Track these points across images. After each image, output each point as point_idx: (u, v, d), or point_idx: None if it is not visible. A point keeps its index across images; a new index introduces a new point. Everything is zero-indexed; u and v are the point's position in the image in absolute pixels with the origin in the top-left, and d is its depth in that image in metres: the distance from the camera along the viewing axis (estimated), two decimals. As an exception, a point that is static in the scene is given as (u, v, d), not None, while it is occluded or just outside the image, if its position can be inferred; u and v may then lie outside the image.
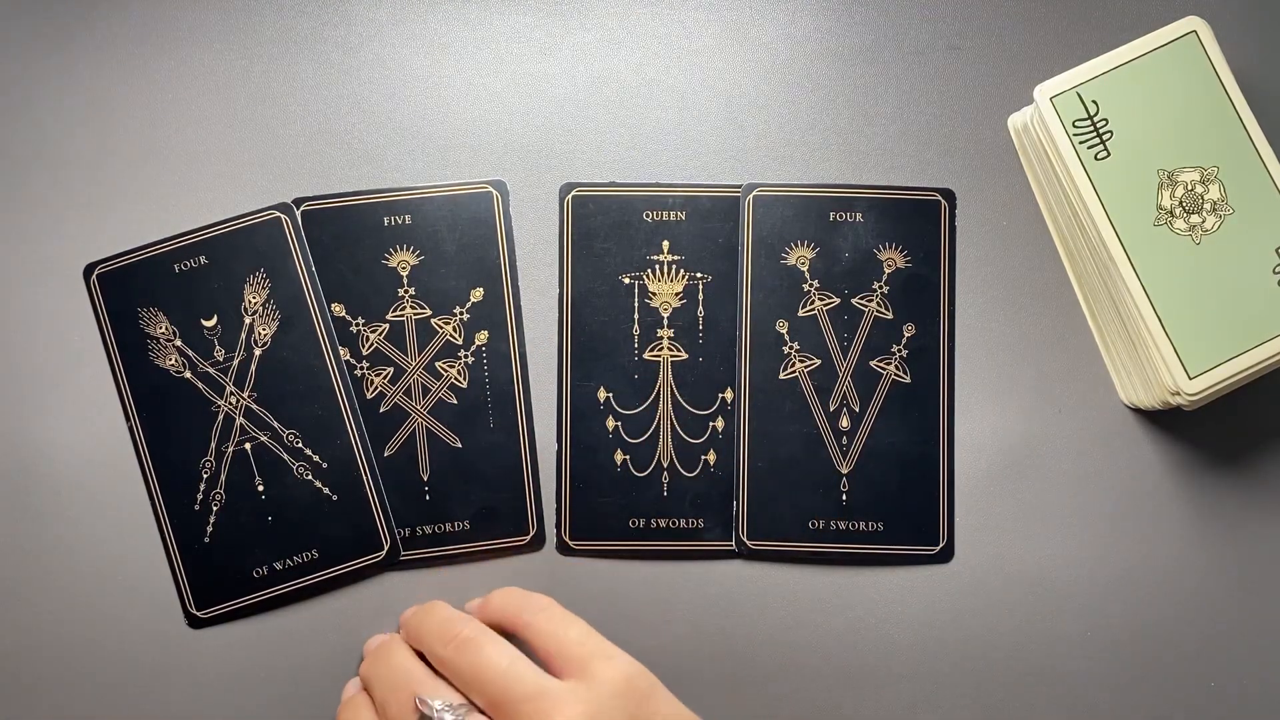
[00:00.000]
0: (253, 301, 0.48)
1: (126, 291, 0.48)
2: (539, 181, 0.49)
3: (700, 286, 0.49)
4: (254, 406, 0.48)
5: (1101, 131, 0.45)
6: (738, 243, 0.49)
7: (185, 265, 0.48)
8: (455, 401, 0.48)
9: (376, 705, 0.42)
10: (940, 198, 0.49)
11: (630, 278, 0.49)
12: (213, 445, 0.48)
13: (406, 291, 0.49)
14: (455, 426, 0.48)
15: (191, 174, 0.49)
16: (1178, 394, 0.44)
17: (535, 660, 0.41)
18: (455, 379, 0.49)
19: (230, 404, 0.48)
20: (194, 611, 0.48)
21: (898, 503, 0.48)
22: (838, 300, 0.49)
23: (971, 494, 0.48)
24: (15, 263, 0.49)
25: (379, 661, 0.43)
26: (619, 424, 0.48)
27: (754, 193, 0.49)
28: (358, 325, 0.49)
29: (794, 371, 0.48)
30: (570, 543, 0.48)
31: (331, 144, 0.49)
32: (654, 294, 0.49)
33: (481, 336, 0.49)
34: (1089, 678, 0.47)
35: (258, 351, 0.48)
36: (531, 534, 0.48)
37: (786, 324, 0.49)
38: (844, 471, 0.48)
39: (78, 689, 0.47)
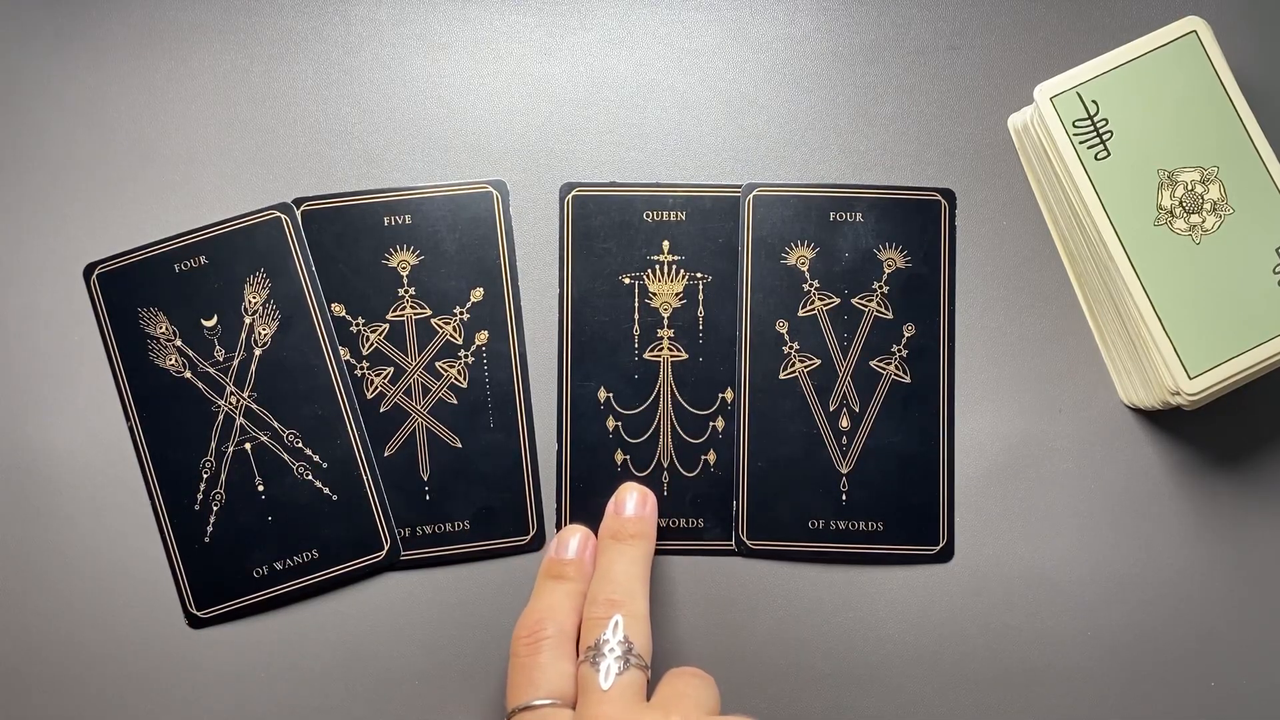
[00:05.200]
0: (253, 301, 0.48)
1: (126, 291, 0.48)
2: (539, 181, 0.49)
3: (700, 286, 0.49)
4: (254, 406, 0.48)
5: (1101, 131, 0.45)
6: (738, 243, 0.49)
7: (185, 265, 0.49)
8: (455, 401, 0.48)
9: (586, 599, 0.44)
10: (940, 198, 0.49)
11: (630, 278, 0.49)
12: (213, 445, 0.48)
13: (406, 291, 0.49)
14: (455, 426, 0.48)
15: (191, 174, 0.49)
16: (1178, 394, 0.44)
17: None
18: (455, 379, 0.49)
19: (230, 404, 0.48)
20: (194, 611, 0.48)
21: (897, 503, 0.48)
22: (838, 300, 0.49)
23: (971, 494, 0.48)
24: (15, 263, 0.49)
25: (616, 582, 0.44)
26: (619, 424, 0.48)
27: (754, 193, 0.49)
28: (358, 325, 0.49)
29: (794, 371, 0.48)
30: (570, 543, 0.48)
31: (331, 144, 0.49)
32: (654, 294, 0.49)
33: (481, 336, 0.49)
34: (1089, 678, 0.47)
35: (258, 351, 0.48)
36: (531, 534, 0.48)
37: (786, 324, 0.49)
38: (844, 471, 0.48)
39: (78, 689, 0.47)
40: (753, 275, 0.49)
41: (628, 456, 0.48)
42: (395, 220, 0.49)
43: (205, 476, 0.48)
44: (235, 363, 0.48)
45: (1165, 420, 0.48)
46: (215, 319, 0.48)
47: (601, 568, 0.45)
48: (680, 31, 0.50)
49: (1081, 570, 0.48)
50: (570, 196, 0.49)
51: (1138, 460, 0.48)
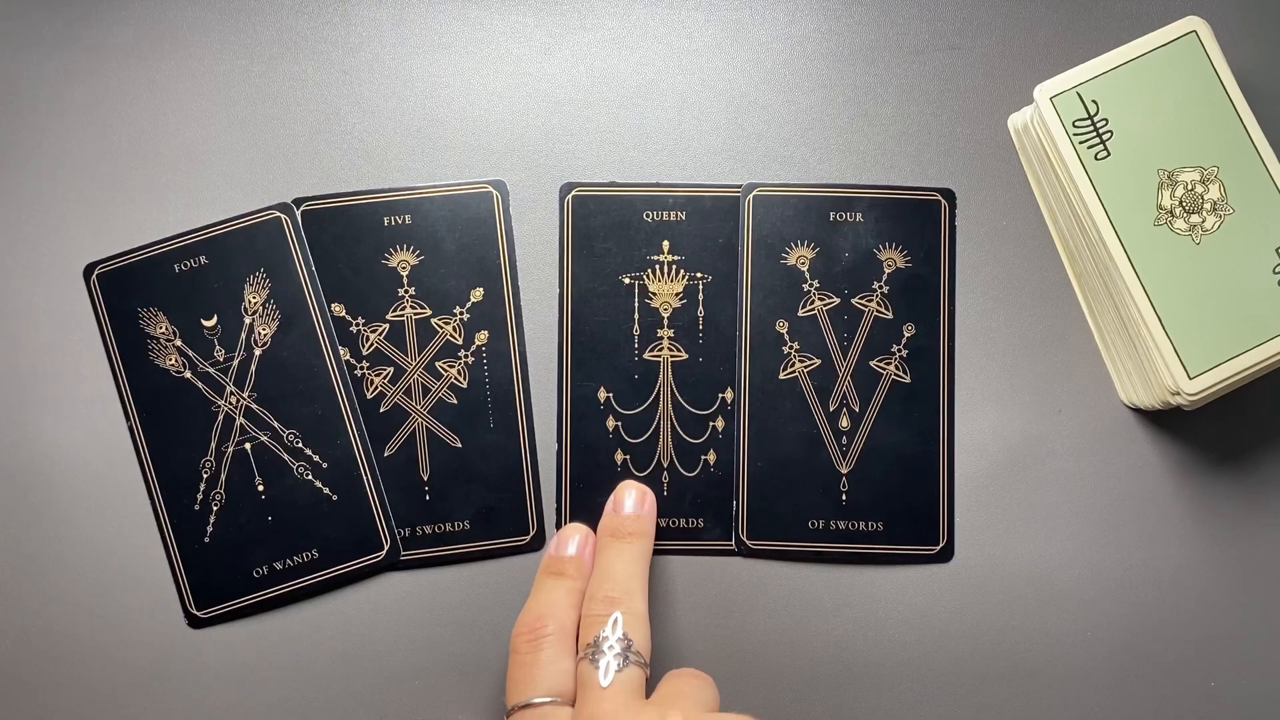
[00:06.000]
0: (253, 301, 0.48)
1: (126, 291, 0.48)
2: (539, 181, 0.49)
3: (700, 286, 0.49)
4: (254, 406, 0.48)
5: (1101, 131, 0.45)
6: (738, 243, 0.49)
7: (185, 265, 0.49)
8: (455, 401, 0.48)
9: (585, 597, 0.44)
10: (940, 198, 0.49)
11: (630, 278, 0.49)
12: (213, 445, 0.48)
13: (406, 291, 0.49)
14: (455, 426, 0.48)
15: (191, 174, 0.49)
16: (1178, 394, 0.44)
17: None
18: (455, 379, 0.49)
19: (230, 404, 0.48)
20: (194, 611, 0.48)
21: (898, 503, 0.48)
22: (838, 300, 0.49)
23: (971, 494, 0.48)
24: (15, 262, 0.49)
25: (615, 580, 0.44)
26: (619, 424, 0.48)
27: (754, 193, 0.49)
28: (358, 325, 0.49)
29: (794, 371, 0.48)
30: (570, 543, 0.48)
31: (331, 144, 0.49)
32: (654, 294, 0.49)
33: (481, 336, 0.49)
34: (1089, 678, 0.47)
35: (258, 351, 0.48)
36: (531, 534, 0.48)
37: (786, 324, 0.49)
38: (844, 471, 0.48)
39: (77, 689, 0.47)
40: (753, 275, 0.49)
41: (628, 456, 0.48)
42: (395, 220, 0.49)
43: (205, 476, 0.48)
44: (235, 363, 0.48)
45: (1165, 420, 0.48)
46: (215, 319, 0.48)
47: (600, 565, 0.45)
48: (680, 31, 0.50)
49: (1081, 570, 0.48)
50: (570, 196, 0.49)
51: (1138, 460, 0.48)
